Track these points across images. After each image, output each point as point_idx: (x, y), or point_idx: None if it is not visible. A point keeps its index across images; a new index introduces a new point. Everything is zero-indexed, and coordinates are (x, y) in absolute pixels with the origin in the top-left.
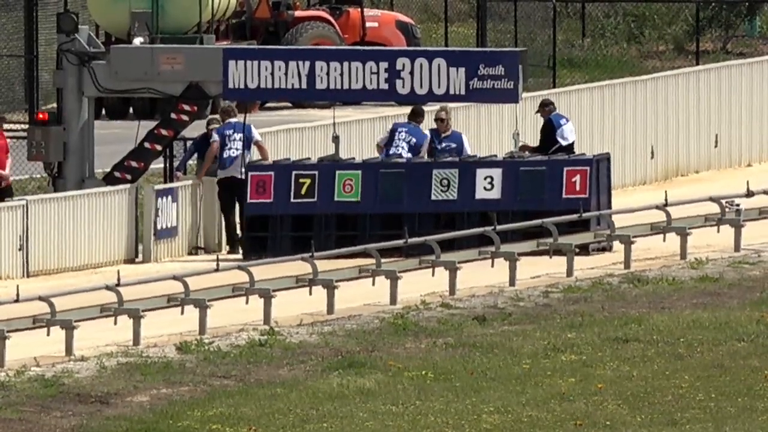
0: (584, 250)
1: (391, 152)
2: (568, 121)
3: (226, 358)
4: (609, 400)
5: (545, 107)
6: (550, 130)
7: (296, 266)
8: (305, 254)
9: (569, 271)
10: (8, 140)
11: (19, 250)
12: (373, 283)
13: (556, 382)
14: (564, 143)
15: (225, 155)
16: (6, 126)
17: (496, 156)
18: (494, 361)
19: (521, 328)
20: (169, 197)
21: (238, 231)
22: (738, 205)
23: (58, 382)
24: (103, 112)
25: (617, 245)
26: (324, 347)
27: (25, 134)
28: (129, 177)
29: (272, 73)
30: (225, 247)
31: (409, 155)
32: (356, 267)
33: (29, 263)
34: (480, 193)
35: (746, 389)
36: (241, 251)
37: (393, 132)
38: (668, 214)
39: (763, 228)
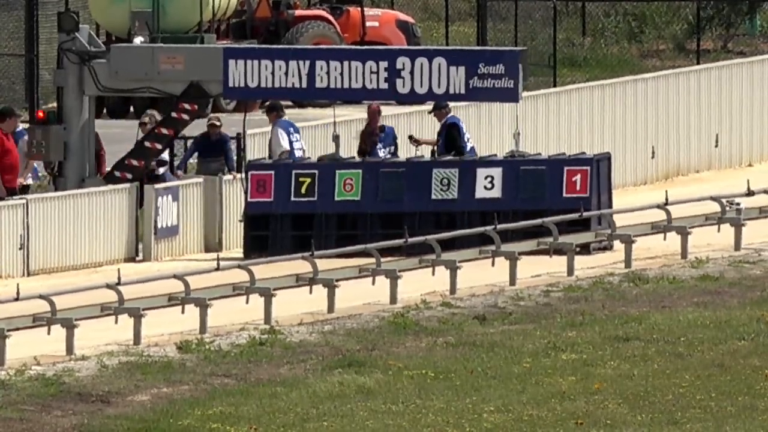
0: (585, 249)
1: (298, 156)
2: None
3: (226, 357)
4: (609, 399)
5: (442, 109)
6: (456, 133)
7: (297, 265)
8: (306, 253)
9: (570, 271)
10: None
11: (20, 248)
12: (374, 283)
13: (556, 381)
14: (468, 147)
15: None
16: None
17: (496, 155)
18: (495, 360)
19: (522, 327)
20: (170, 196)
21: None
22: (738, 204)
23: (58, 381)
24: (104, 111)
25: (618, 244)
26: (324, 346)
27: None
28: (129, 176)
29: (272, 73)
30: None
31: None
32: (356, 266)
33: (30, 262)
34: (480, 193)
35: (747, 388)
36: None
37: (289, 135)
38: (669, 214)
39: (764, 227)
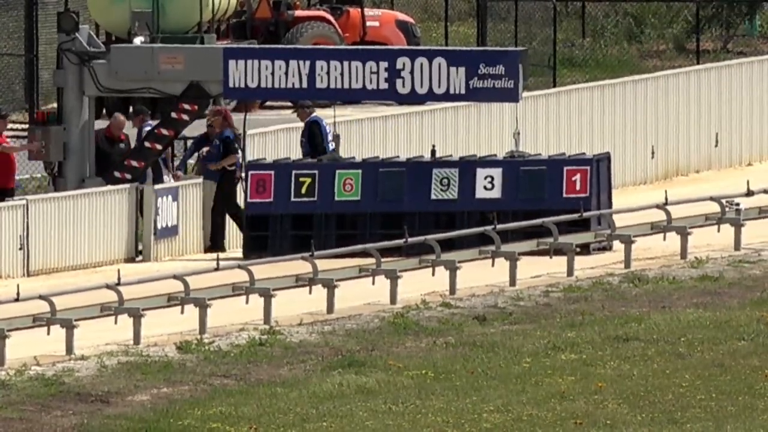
0: (585, 249)
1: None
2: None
3: (226, 358)
4: (609, 399)
5: (306, 108)
6: (317, 130)
7: (296, 265)
8: (305, 253)
9: (569, 271)
10: (9, 140)
11: (20, 249)
12: (373, 283)
13: (556, 381)
14: (331, 147)
15: None
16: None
17: (496, 156)
18: (494, 361)
19: (521, 328)
20: (170, 197)
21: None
22: (738, 204)
23: (58, 381)
24: (104, 111)
25: (617, 245)
26: (324, 346)
27: (25, 134)
28: (129, 176)
29: (272, 73)
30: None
31: None
32: (356, 266)
33: (30, 262)
34: (480, 193)
35: (746, 388)
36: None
37: None
38: (668, 214)
39: (764, 227)
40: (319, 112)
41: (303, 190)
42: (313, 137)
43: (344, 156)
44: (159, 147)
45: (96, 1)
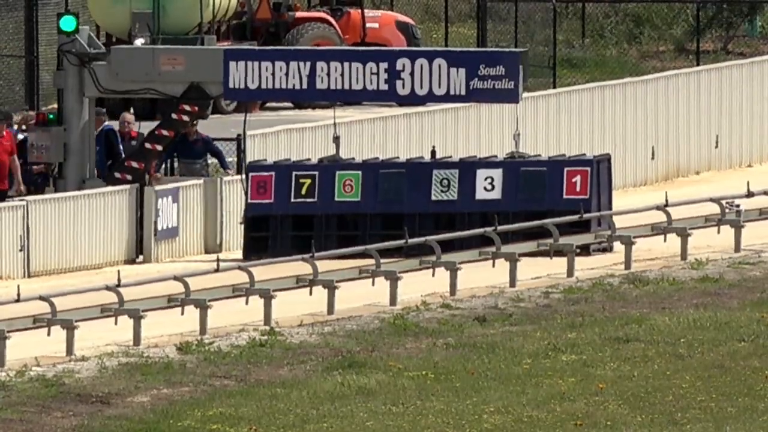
0: (585, 250)
1: None
2: None
3: (226, 359)
4: (609, 400)
5: (100, 116)
6: (114, 139)
7: (297, 266)
8: (306, 254)
9: (570, 272)
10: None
11: (20, 250)
12: (373, 284)
13: (556, 382)
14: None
15: None
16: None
17: (496, 157)
18: (495, 362)
19: (522, 329)
20: (170, 198)
21: None
22: (738, 205)
23: (58, 382)
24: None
25: (618, 246)
26: (324, 347)
27: (24, 134)
28: (129, 177)
29: (273, 74)
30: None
31: None
32: (356, 267)
33: (30, 263)
34: (480, 194)
35: (747, 389)
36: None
37: None
38: (669, 215)
39: (764, 228)
40: (319, 113)
41: (303, 191)
42: (110, 145)
43: (344, 157)
44: (159, 148)
45: (96, 2)
